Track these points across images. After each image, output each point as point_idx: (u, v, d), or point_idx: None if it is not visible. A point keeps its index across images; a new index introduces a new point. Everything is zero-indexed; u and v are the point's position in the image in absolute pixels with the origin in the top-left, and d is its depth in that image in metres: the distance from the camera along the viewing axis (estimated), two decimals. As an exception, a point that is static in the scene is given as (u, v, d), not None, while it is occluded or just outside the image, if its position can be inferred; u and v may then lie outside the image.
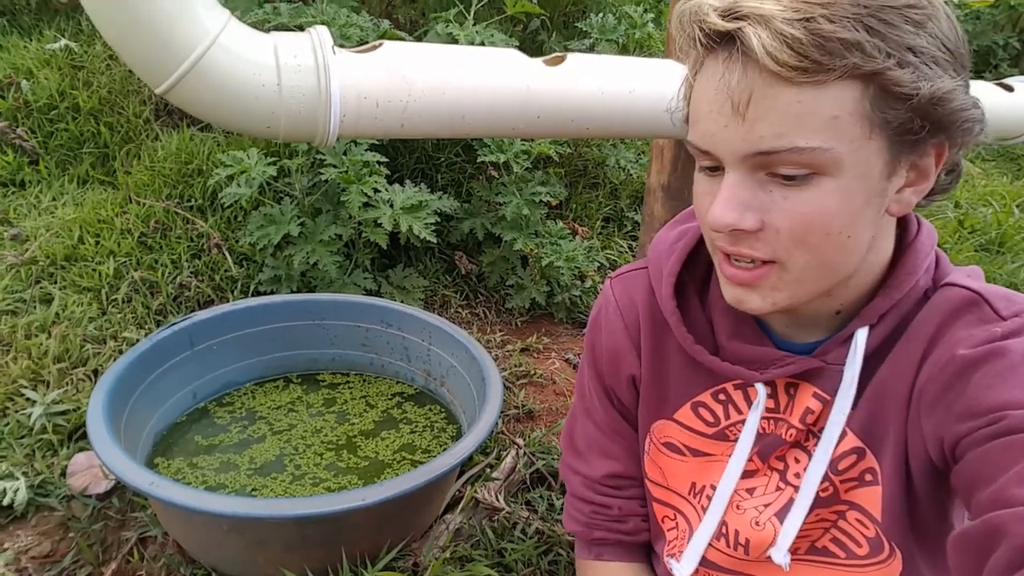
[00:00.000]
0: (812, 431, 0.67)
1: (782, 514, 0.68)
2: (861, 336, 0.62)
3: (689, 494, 0.76)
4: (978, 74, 4.74)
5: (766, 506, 0.69)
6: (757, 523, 0.69)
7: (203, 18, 0.99)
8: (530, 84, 1.21)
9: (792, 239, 0.55)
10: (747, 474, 0.71)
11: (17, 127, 2.24)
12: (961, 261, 2.70)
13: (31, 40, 2.49)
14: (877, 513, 0.64)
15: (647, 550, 0.86)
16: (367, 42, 1.97)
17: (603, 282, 0.81)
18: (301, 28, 1.94)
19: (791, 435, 0.67)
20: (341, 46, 1.12)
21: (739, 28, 0.50)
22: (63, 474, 1.37)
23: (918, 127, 0.52)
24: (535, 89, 1.21)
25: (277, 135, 1.09)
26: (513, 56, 1.23)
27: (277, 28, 1.95)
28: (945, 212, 3.31)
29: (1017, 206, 3.52)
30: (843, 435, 0.64)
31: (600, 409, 0.81)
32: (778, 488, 0.69)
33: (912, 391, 0.60)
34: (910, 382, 0.60)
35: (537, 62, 1.26)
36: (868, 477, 0.64)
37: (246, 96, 1.04)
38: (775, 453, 0.70)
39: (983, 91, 1.98)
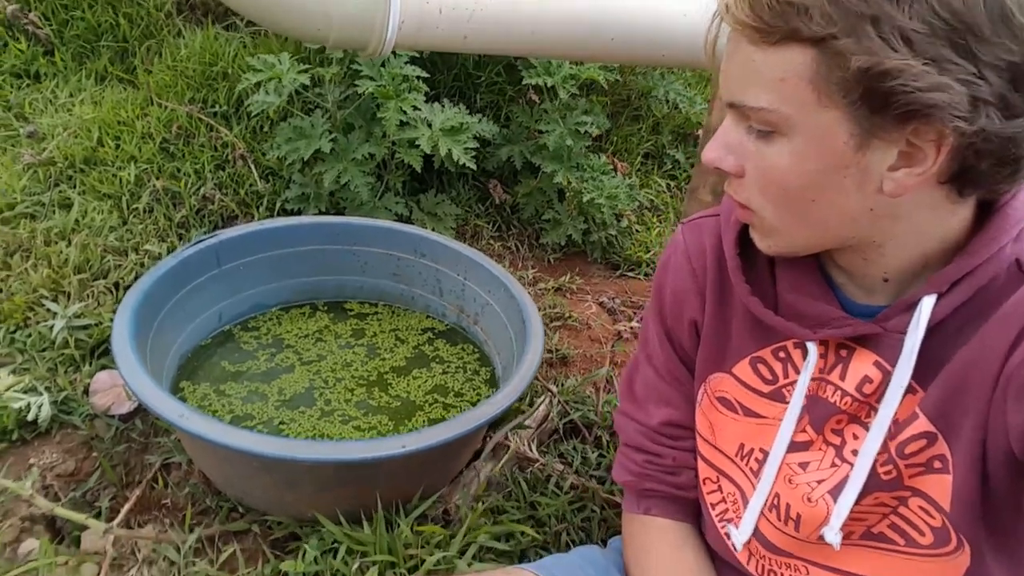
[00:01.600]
0: (872, 406, 0.63)
1: (836, 492, 0.65)
2: (927, 304, 0.58)
3: (736, 456, 0.74)
4: None
5: (819, 482, 0.67)
6: (809, 499, 0.67)
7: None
8: (608, 1, 1.06)
9: (756, 188, 0.59)
10: (800, 445, 0.68)
11: (30, 11, 2.08)
12: None
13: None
14: (946, 503, 0.61)
15: (696, 511, 0.83)
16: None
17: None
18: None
19: (847, 403, 0.64)
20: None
21: None
22: (86, 392, 1.32)
23: (878, 103, 0.50)
24: (614, 7, 1.07)
25: (327, 39, 0.97)
26: (593, -32, 1.08)
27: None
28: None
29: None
30: (914, 417, 0.60)
31: (661, 354, 0.80)
32: (833, 464, 0.66)
33: (999, 376, 0.55)
34: (998, 366, 0.55)
35: (617, -23, 1.11)
36: (937, 464, 0.61)
37: (296, -5, 0.91)
38: (830, 424, 0.66)
39: None
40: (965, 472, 0.59)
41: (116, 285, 1.55)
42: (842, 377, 0.64)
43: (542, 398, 1.52)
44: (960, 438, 0.59)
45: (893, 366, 0.61)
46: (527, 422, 1.44)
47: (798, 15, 0.50)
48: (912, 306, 0.59)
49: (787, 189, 0.57)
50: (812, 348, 0.65)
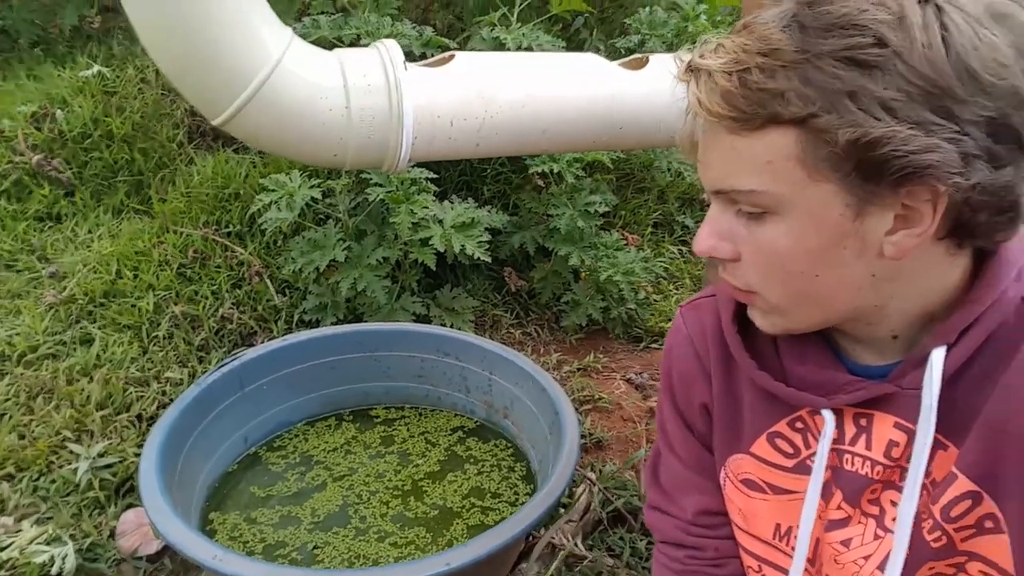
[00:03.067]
0: (904, 468, 0.61)
1: (885, 565, 0.61)
2: (937, 356, 0.57)
3: (774, 538, 0.70)
4: None
5: (866, 558, 0.63)
6: None
7: (266, 39, 0.88)
8: (614, 92, 1.09)
9: (757, 271, 0.59)
10: (839, 523, 0.65)
11: (53, 159, 2.17)
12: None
13: (64, 69, 2.43)
14: (1008, 564, 0.57)
15: None
16: (412, 53, 1.86)
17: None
18: (342, 41, 1.84)
19: (878, 472, 0.62)
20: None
21: (690, 81, 0.55)
22: (111, 535, 1.27)
23: (872, 172, 0.51)
24: (620, 97, 1.09)
25: (343, 164, 0.98)
26: (593, 62, 1.11)
27: (317, 43, 1.85)
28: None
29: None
30: (953, 478, 0.58)
31: (682, 442, 0.78)
32: (876, 536, 0.63)
33: None
34: None
35: (616, 66, 1.14)
36: (989, 524, 0.58)
37: (312, 123, 0.93)
38: (865, 496, 0.64)
39: None
40: (1022, 529, 0.56)
41: (139, 417, 1.53)
42: (868, 446, 0.62)
43: (582, 488, 1.45)
44: (1009, 493, 0.56)
45: (915, 424, 0.59)
46: (570, 516, 1.37)
47: (775, 100, 0.51)
48: (923, 361, 0.58)
49: (789, 268, 0.57)
50: (828, 416, 0.63)
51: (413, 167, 1.88)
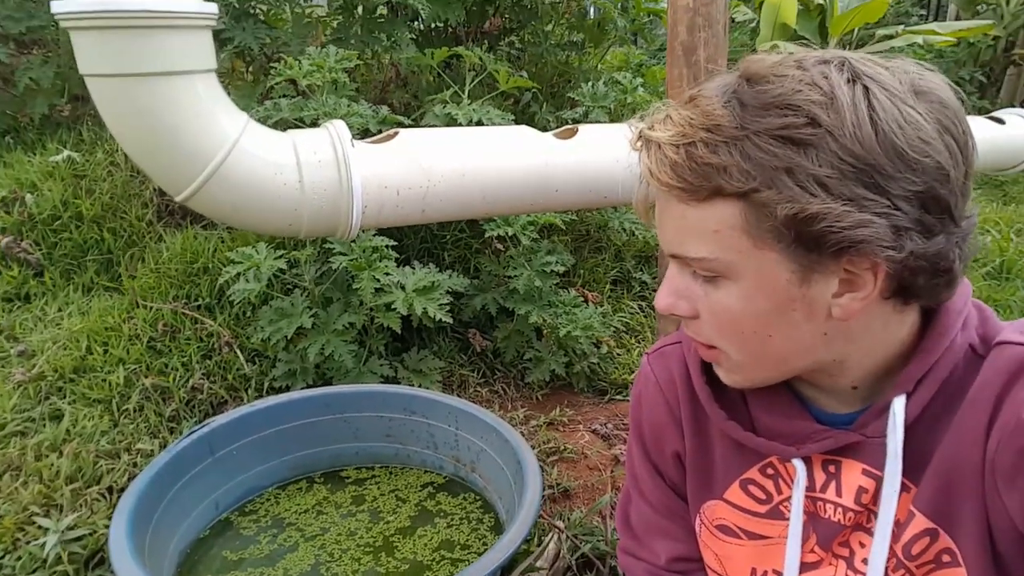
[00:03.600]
0: (872, 511, 0.63)
1: None
2: (898, 405, 0.60)
3: None
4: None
5: None
6: None
7: (223, 123, 0.98)
8: (547, 159, 1.20)
9: (714, 331, 0.61)
10: (811, 566, 0.68)
11: (22, 240, 2.22)
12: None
13: (35, 155, 2.51)
14: None
15: None
16: (369, 130, 1.99)
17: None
18: (303, 122, 1.96)
19: (849, 518, 0.64)
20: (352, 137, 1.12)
21: (641, 150, 0.58)
22: (81, 607, 1.28)
23: (811, 243, 0.53)
24: (552, 164, 1.20)
25: (299, 233, 1.07)
26: (526, 133, 1.23)
27: (278, 124, 1.97)
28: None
29: (1015, 232, 3.54)
30: (911, 516, 0.61)
31: (653, 489, 0.79)
32: None
33: (983, 462, 0.57)
34: (979, 452, 0.57)
35: (549, 136, 1.26)
36: (946, 558, 0.60)
37: (268, 196, 1.02)
38: (837, 539, 0.66)
39: (976, 126, 2.01)
40: (977, 561, 0.59)
41: (110, 489, 1.54)
42: (838, 493, 0.65)
43: (550, 536, 1.49)
44: (962, 529, 0.59)
45: (881, 470, 0.61)
46: (539, 563, 1.41)
47: (718, 174, 0.53)
48: (884, 409, 0.61)
49: (743, 329, 0.59)
50: (799, 465, 0.65)
51: (374, 235, 1.98)
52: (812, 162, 0.52)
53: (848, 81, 0.53)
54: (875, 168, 0.52)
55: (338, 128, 1.07)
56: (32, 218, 2.27)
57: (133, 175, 2.49)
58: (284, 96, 2.18)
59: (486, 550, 1.40)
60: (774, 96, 0.53)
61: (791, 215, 0.52)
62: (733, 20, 5.32)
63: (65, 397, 1.77)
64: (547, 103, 2.80)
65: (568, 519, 1.57)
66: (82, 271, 2.29)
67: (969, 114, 0.62)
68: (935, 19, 6.31)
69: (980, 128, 2.02)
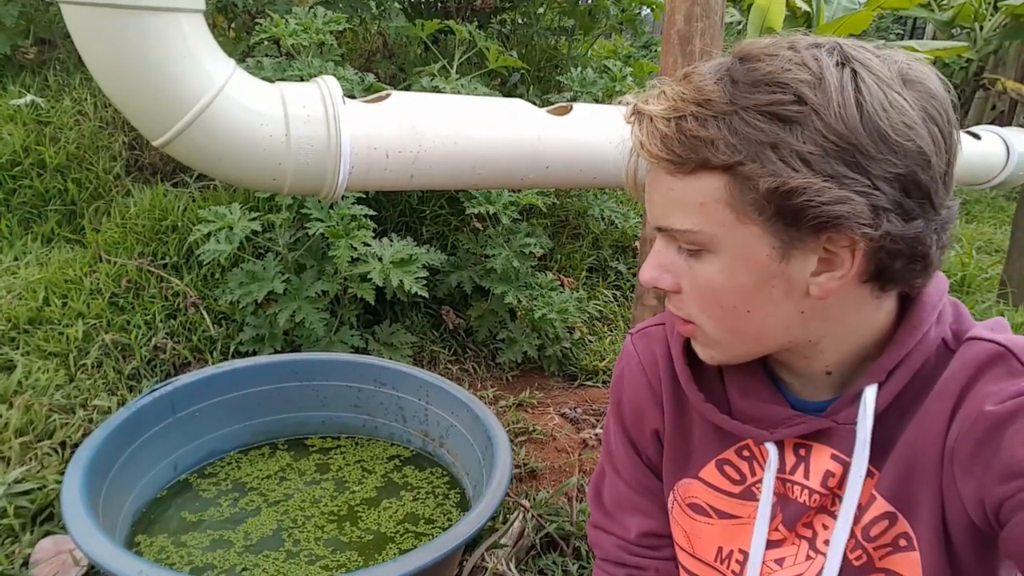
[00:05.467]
0: (837, 495, 0.65)
1: None
2: (869, 394, 0.61)
3: (716, 560, 0.73)
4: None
5: None
6: None
7: (209, 67, 0.94)
8: (540, 134, 1.19)
9: (695, 304, 0.62)
10: (775, 544, 0.69)
11: (-23, 184, 2.12)
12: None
13: (-6, 96, 2.39)
14: None
15: None
16: (354, 96, 1.94)
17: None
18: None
19: (815, 500, 0.66)
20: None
21: (634, 123, 0.60)
22: (24, 563, 1.23)
23: (791, 218, 0.55)
24: (545, 139, 1.19)
25: (282, 189, 1.04)
26: (521, 106, 1.21)
27: (263, 81, 1.91)
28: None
29: (976, 248, 3.65)
30: (872, 500, 0.63)
31: (629, 465, 0.80)
32: (808, 557, 0.67)
33: (943, 451, 0.59)
34: (940, 442, 0.59)
35: (543, 112, 1.24)
36: (903, 543, 0.62)
37: (252, 148, 0.98)
38: (801, 520, 0.68)
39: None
40: (931, 547, 0.60)
41: (63, 444, 1.48)
42: (806, 475, 0.66)
43: (515, 514, 1.49)
44: (919, 515, 0.60)
45: (850, 456, 0.63)
46: (503, 540, 1.41)
47: (706, 147, 0.55)
48: (857, 397, 0.62)
49: (722, 303, 0.61)
50: (771, 448, 0.67)
51: (353, 203, 1.94)
52: (796, 138, 0.53)
53: (837, 64, 0.54)
54: (857, 148, 0.53)
55: (329, 84, 1.04)
56: (-9, 162, 2.17)
57: (102, 126, 2.39)
58: (267, 55, 2.11)
59: (451, 525, 1.39)
60: (764, 74, 0.54)
61: (772, 188, 0.54)
62: (720, 20, 5.34)
63: (18, 348, 1.70)
64: (534, 86, 2.78)
65: (534, 499, 1.57)
66: (42, 221, 2.20)
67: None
68: (910, 39, 6.45)
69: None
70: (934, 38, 5.72)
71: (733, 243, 0.58)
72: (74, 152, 2.27)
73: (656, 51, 3.20)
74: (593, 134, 1.26)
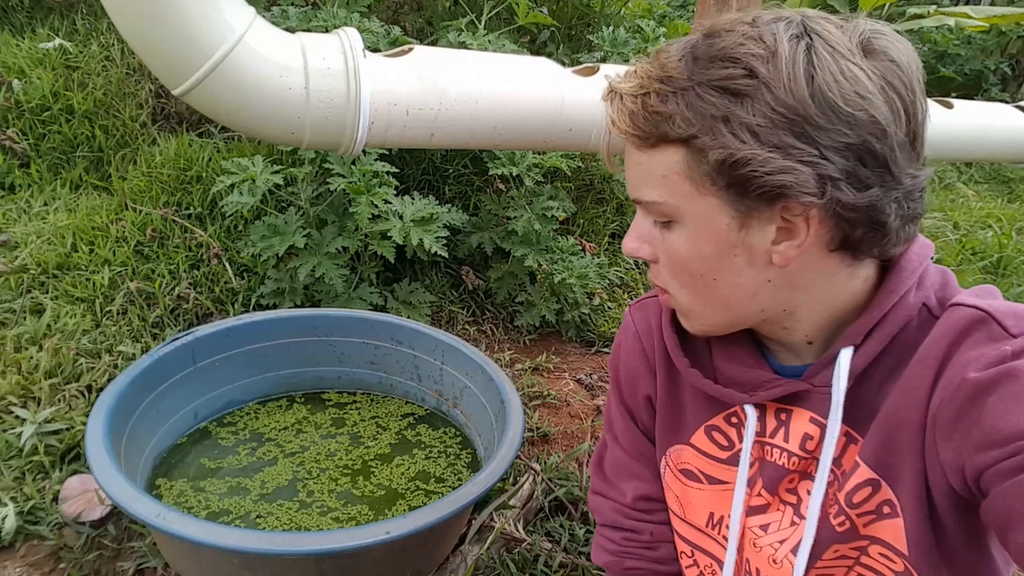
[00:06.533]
0: (818, 459, 0.66)
1: (798, 549, 0.67)
2: (844, 355, 0.62)
3: (707, 526, 0.76)
4: (968, 97, 4.80)
5: (781, 542, 0.69)
6: (775, 560, 0.69)
7: (228, 15, 0.92)
8: (564, 95, 1.15)
9: (668, 274, 0.65)
10: (759, 509, 0.71)
11: (7, 128, 2.14)
12: (966, 284, 2.67)
13: (23, 39, 2.39)
14: (902, 546, 0.62)
15: None
16: (379, 49, 1.91)
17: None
18: (310, 32, 1.87)
19: (794, 463, 0.67)
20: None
21: (607, 101, 0.63)
22: (55, 499, 1.28)
23: (740, 188, 0.57)
24: (570, 100, 1.15)
25: (300, 142, 1.02)
26: (546, 65, 1.17)
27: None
28: (946, 234, 3.31)
29: (1016, 230, 3.53)
30: (856, 467, 0.63)
31: (626, 432, 0.83)
32: (792, 523, 0.68)
33: (925, 418, 0.58)
34: (923, 408, 0.58)
35: (569, 72, 1.21)
36: (886, 510, 0.62)
37: (271, 99, 0.97)
38: (784, 485, 0.69)
39: (1003, 114, 1.96)
40: (914, 513, 0.61)
41: (89, 388, 1.53)
42: (786, 439, 0.68)
43: (525, 477, 1.51)
44: (902, 481, 0.61)
45: (827, 419, 0.64)
46: (512, 502, 1.43)
47: (665, 122, 0.57)
48: (833, 360, 0.63)
49: (690, 271, 0.63)
50: (750, 410, 0.69)
51: (375, 160, 1.93)
52: (747, 112, 0.54)
53: (793, 37, 0.55)
54: (806, 119, 0.54)
55: (350, 36, 1.01)
56: (19, 106, 2.19)
57: (129, 72, 2.39)
58: (293, 4, 2.08)
59: (460, 484, 1.41)
60: (719, 49, 0.56)
61: (721, 160, 0.56)
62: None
63: (47, 292, 1.74)
64: (564, 44, 2.71)
65: (545, 463, 1.58)
66: (70, 167, 2.22)
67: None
68: (967, 3, 6.14)
69: (1005, 116, 1.97)
70: (992, 3, 5.43)
71: (695, 214, 0.60)
72: (101, 99, 2.28)
73: (693, 9, 3.09)
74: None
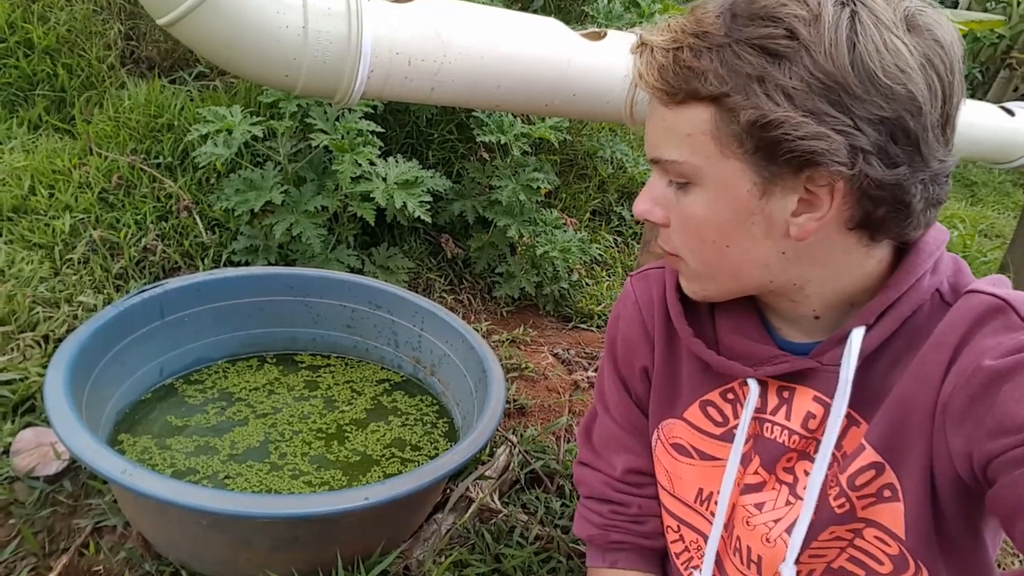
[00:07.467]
0: (819, 439, 0.65)
1: (792, 529, 0.66)
2: (856, 335, 0.61)
3: (695, 502, 0.75)
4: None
5: (776, 521, 0.68)
6: (768, 539, 0.68)
7: (224, -60, 0.86)
8: (571, 58, 1.11)
9: (680, 237, 0.64)
10: (754, 488, 0.70)
11: (-40, 59, 2.00)
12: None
13: (-20, -36, 2.23)
14: (900, 530, 0.62)
15: (662, 561, 0.83)
16: (370, 1, 1.83)
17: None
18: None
19: (795, 441, 0.66)
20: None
21: (636, 54, 0.60)
22: (6, 452, 1.21)
23: (769, 151, 0.55)
24: (576, 64, 1.11)
25: (294, 87, 0.96)
26: (555, 26, 1.13)
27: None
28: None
29: (979, 232, 3.63)
30: (861, 449, 0.62)
31: (619, 403, 0.81)
32: (788, 503, 0.67)
33: (936, 403, 0.58)
34: (934, 394, 0.58)
35: (577, 35, 1.16)
36: (887, 493, 0.62)
37: (265, 37, 0.91)
38: (781, 463, 0.68)
39: (986, 112, 1.98)
40: (916, 498, 0.60)
41: (46, 338, 1.44)
42: (787, 416, 0.66)
43: (502, 448, 1.49)
44: (907, 466, 0.60)
45: (832, 398, 0.63)
46: (488, 473, 1.41)
47: (696, 78, 0.56)
48: (843, 339, 0.62)
49: (704, 236, 0.62)
50: (752, 384, 0.67)
51: (360, 118, 1.85)
52: (784, 73, 0.53)
53: (838, 3, 0.54)
54: (843, 87, 0.53)
55: (353, -25, 0.95)
56: (-25, 35, 2.04)
57: (96, 10, 2.25)
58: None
59: (437, 454, 1.38)
60: (761, 7, 0.55)
61: (752, 121, 0.54)
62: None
63: (2, 236, 1.64)
64: (556, 14, 2.65)
65: (521, 435, 1.56)
66: (29, 105, 2.09)
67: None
68: (943, 6, 6.25)
69: (989, 116, 1.99)
70: (969, 8, 5.53)
71: (716, 176, 0.58)
72: (65, 35, 2.14)
73: (685, -10, 3.05)
74: (627, 64, 1.18)
